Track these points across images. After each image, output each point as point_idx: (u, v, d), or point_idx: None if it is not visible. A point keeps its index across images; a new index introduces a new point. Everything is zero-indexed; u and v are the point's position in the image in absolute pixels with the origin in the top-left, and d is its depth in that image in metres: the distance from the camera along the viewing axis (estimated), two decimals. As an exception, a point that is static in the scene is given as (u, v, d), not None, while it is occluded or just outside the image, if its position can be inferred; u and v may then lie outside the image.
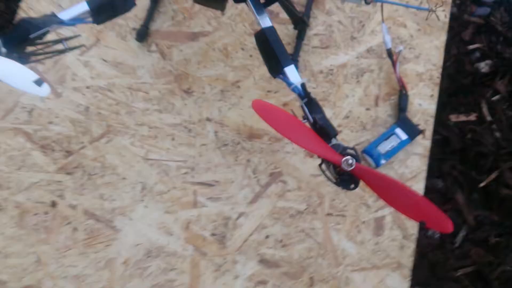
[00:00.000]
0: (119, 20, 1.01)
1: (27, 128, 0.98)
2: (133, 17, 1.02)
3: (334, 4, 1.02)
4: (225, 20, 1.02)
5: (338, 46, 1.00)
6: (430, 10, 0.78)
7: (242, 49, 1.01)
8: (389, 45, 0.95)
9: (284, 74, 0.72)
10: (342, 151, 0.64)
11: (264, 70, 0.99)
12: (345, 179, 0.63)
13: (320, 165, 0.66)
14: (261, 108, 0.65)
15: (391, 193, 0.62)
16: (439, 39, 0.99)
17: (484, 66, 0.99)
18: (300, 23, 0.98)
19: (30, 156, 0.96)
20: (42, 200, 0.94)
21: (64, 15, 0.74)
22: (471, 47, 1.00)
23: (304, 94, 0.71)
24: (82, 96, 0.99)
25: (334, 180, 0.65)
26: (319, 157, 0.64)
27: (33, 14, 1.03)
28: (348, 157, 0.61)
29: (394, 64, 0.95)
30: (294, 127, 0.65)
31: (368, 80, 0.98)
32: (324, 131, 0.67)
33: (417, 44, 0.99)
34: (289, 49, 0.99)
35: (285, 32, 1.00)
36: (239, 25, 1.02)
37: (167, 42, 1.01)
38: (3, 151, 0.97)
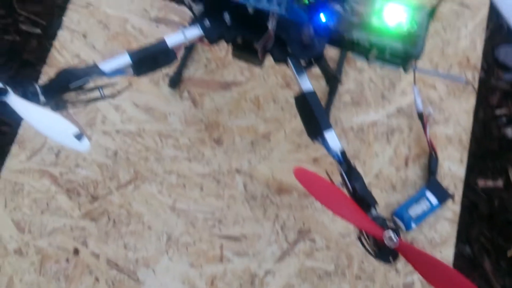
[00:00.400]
0: (152, 66, 1.01)
1: (53, 171, 0.96)
2: (166, 63, 1.02)
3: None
4: (258, 71, 1.02)
5: (368, 104, 1.01)
6: (466, 83, 0.79)
7: (274, 101, 1.01)
8: (421, 108, 0.96)
9: (323, 138, 0.72)
10: (382, 223, 0.64)
11: (295, 124, 0.99)
12: (385, 252, 0.63)
13: (359, 238, 0.66)
14: (302, 176, 0.65)
15: (433, 271, 0.62)
16: (468, 103, 1.00)
17: (510, 132, 1.01)
18: (333, 79, 0.99)
19: (54, 199, 0.94)
20: (64, 246, 0.92)
21: (105, 66, 0.73)
22: (498, 112, 1.02)
23: (343, 162, 0.71)
24: (111, 140, 0.98)
25: (373, 253, 0.64)
26: (358, 228, 0.64)
27: (66, 54, 1.02)
28: (390, 232, 0.61)
29: (424, 127, 0.96)
30: (335, 197, 0.64)
31: (398, 140, 0.99)
32: (364, 201, 0.67)
33: (446, 107, 1.01)
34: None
35: (317, 86, 1.01)
36: (271, 77, 1.02)
37: (199, 90, 1.01)
38: (27, 193, 0.95)
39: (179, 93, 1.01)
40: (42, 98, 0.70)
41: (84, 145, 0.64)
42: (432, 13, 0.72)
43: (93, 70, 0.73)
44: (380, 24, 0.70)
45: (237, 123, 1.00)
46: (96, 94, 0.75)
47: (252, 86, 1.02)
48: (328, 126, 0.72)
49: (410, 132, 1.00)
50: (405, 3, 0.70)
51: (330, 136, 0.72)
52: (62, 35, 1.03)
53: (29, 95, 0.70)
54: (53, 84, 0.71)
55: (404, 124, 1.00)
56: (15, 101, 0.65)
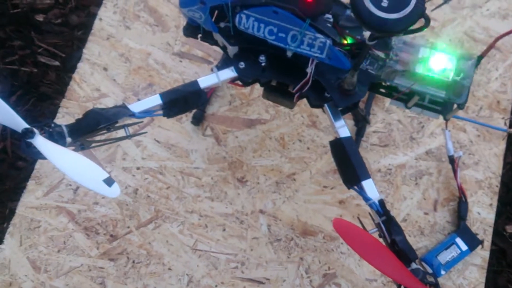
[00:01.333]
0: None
1: (71, 208, 0.93)
2: (189, 98, 1.00)
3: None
4: (283, 109, 1.00)
5: (397, 145, 0.99)
6: (508, 132, 0.77)
7: (300, 140, 0.98)
8: (452, 152, 0.94)
9: (361, 187, 0.69)
10: (422, 277, 0.61)
11: (321, 164, 0.97)
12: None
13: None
14: (341, 228, 0.62)
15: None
16: (499, 147, 0.98)
17: (540, 176, 0.99)
18: (361, 120, 0.97)
19: (72, 238, 0.91)
20: (82, 287, 0.88)
21: (135, 108, 0.71)
22: (527, 156, 1.00)
23: (382, 212, 0.68)
24: (132, 177, 0.95)
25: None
26: (397, 283, 0.61)
27: (85, 87, 1.00)
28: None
29: (455, 172, 0.93)
30: (376, 251, 0.62)
31: (426, 183, 0.96)
32: (403, 254, 0.64)
33: (476, 150, 0.98)
34: (348, 145, 0.97)
35: (344, 126, 0.99)
36: (297, 115, 1.00)
37: (223, 127, 0.99)
38: (44, 230, 0.91)
39: (202, 130, 0.98)
40: (68, 139, 0.67)
41: (114, 191, 0.61)
42: (478, 62, 0.70)
43: (122, 111, 0.70)
44: (424, 72, 0.68)
45: (261, 162, 0.97)
46: (121, 132, 0.72)
47: (277, 124, 0.99)
48: (367, 175, 0.70)
49: (439, 175, 0.97)
50: (450, 52, 0.68)
51: (368, 185, 0.69)
52: (82, 68, 1.01)
53: (55, 136, 0.67)
54: (80, 125, 0.69)
55: (433, 167, 0.97)
56: (41, 142, 0.63)
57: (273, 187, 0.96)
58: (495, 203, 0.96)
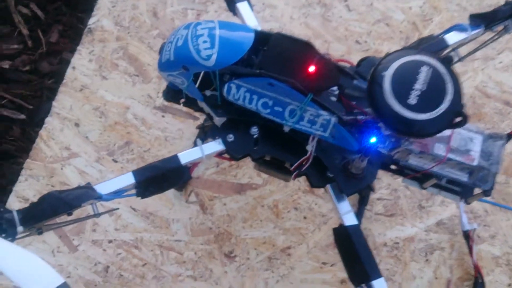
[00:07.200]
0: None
1: (30, 289, 0.80)
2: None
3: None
4: (277, 173, 0.89)
5: (404, 215, 0.88)
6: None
7: (296, 208, 0.87)
8: (466, 227, 0.83)
9: (370, 286, 0.58)
10: None
11: (319, 236, 0.85)
12: None
13: None
14: None
15: None
16: (517, 218, 0.88)
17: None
18: (365, 187, 0.86)
19: (30, 326, 0.78)
20: None
21: (103, 188, 0.59)
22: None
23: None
24: (102, 252, 0.83)
25: None
26: None
27: (53, 145, 0.88)
28: None
29: (471, 249, 0.83)
30: None
31: (438, 260, 0.85)
32: None
33: (492, 221, 0.88)
34: (350, 214, 0.86)
35: (346, 193, 0.88)
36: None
37: (209, 192, 0.87)
38: (-3, 317, 0.79)
39: (186, 196, 0.87)
40: (19, 228, 0.55)
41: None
42: (507, 141, 0.60)
43: (86, 194, 0.59)
44: (445, 154, 0.58)
45: (252, 234, 0.85)
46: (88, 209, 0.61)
47: (271, 190, 0.88)
48: (378, 274, 0.59)
49: (452, 250, 0.86)
50: (476, 130, 0.58)
51: (379, 285, 0.59)
52: (51, 123, 0.89)
53: (3, 224, 0.56)
54: (34, 212, 0.57)
55: (445, 240, 0.87)
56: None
57: (265, 263, 0.84)
58: (515, 283, 0.85)
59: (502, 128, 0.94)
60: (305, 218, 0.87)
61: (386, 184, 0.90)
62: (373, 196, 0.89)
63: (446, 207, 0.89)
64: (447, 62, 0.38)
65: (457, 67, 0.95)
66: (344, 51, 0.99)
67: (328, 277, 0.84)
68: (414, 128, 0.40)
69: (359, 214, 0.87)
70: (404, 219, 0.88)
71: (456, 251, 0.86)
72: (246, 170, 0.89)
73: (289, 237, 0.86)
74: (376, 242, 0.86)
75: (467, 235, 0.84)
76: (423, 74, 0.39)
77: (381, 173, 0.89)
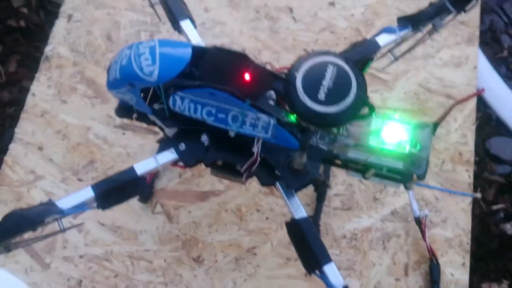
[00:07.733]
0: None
1: (5, 310, 0.82)
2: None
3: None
4: (238, 178, 0.93)
5: (360, 207, 0.93)
6: (474, 198, 0.73)
7: (258, 210, 0.92)
8: (417, 213, 0.88)
9: (322, 272, 0.63)
10: None
11: (282, 235, 0.90)
12: None
13: None
14: None
15: None
16: (465, 201, 0.94)
17: (510, 228, 0.95)
18: (322, 185, 0.91)
19: None
20: None
21: (64, 203, 0.62)
22: (495, 207, 0.96)
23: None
24: (74, 267, 0.86)
25: None
26: None
27: (19, 170, 0.91)
28: None
29: (423, 234, 0.88)
30: None
31: (395, 247, 0.91)
32: None
33: (442, 207, 0.94)
34: (309, 211, 0.90)
35: (304, 192, 0.92)
36: (253, 183, 0.93)
37: (173, 202, 0.91)
38: None
39: (151, 208, 0.90)
40: (-17, 247, 0.58)
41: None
42: (434, 130, 0.65)
43: (48, 210, 0.62)
44: (378, 145, 0.63)
45: (218, 238, 0.89)
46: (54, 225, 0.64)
47: (233, 195, 0.92)
48: (328, 259, 0.63)
49: (407, 236, 0.91)
50: (404, 121, 0.64)
51: (331, 270, 0.63)
52: (14, 149, 0.92)
53: (-35, 246, 0.59)
54: (-1, 230, 0.60)
55: (400, 228, 0.92)
56: None
57: (232, 264, 0.88)
58: (467, 262, 0.90)
59: (446, 120, 0.99)
60: (267, 218, 0.91)
61: (341, 180, 0.95)
62: (330, 192, 0.93)
63: (399, 197, 0.94)
64: (351, 61, 0.43)
65: (400, 67, 1.03)
66: (294, 60, 1.04)
67: (293, 271, 0.88)
68: (326, 120, 0.45)
69: (317, 211, 0.92)
70: (360, 211, 0.93)
71: (411, 237, 0.92)
72: (208, 178, 0.93)
73: (253, 238, 0.90)
74: (335, 235, 0.91)
75: (419, 221, 0.89)
76: (329, 72, 0.44)
77: (336, 170, 0.95)
